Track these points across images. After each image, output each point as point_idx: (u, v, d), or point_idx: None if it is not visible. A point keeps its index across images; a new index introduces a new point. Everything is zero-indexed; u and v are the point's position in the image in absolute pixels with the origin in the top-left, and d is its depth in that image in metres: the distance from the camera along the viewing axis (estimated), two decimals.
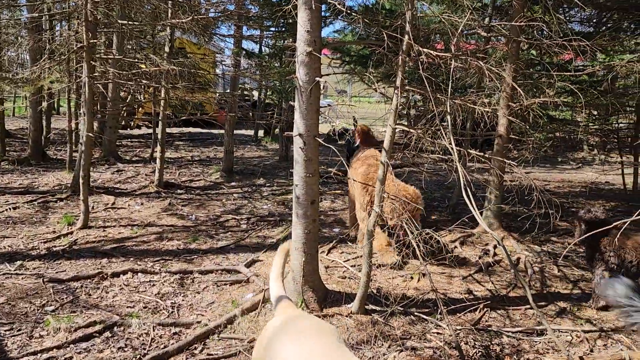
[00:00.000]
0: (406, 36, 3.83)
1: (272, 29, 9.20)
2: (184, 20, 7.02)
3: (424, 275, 5.04)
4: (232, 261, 5.43)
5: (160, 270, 5.04)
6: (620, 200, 8.15)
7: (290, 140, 11.59)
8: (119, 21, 7.45)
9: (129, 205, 7.53)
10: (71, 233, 6.10)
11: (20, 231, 6.10)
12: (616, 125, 8.25)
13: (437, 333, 3.99)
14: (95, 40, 6.01)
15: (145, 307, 4.33)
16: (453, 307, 4.33)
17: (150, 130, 16.92)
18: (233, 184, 9.21)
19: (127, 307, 4.33)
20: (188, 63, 7.85)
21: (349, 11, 3.68)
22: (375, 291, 4.64)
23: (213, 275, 5.01)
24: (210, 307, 4.41)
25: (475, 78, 6.27)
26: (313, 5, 3.81)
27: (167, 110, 8.90)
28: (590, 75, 7.51)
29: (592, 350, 3.73)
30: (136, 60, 7.21)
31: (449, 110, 3.57)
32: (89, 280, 4.80)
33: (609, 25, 7.77)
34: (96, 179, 9.13)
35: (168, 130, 13.00)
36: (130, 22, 7.54)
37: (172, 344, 3.76)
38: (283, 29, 8.92)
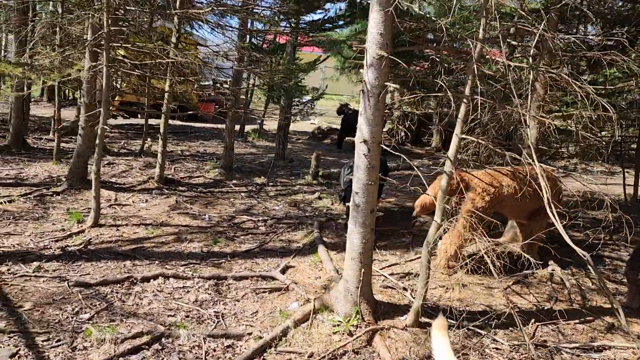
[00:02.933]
0: (479, 44, 3.74)
1: (283, 25, 8.95)
2: (201, 11, 6.72)
3: (463, 285, 4.98)
4: (262, 266, 5.21)
5: (192, 275, 4.77)
6: (621, 210, 8.32)
7: (286, 138, 11.38)
8: (129, 7, 7.06)
9: (133, 202, 7.16)
10: (83, 231, 5.72)
11: (25, 228, 5.68)
12: (619, 136, 8.43)
13: (496, 348, 3.92)
14: (116, 28, 5.66)
15: (187, 317, 4.08)
16: (504, 321, 4.26)
17: (128, 121, 16.43)
18: (234, 182, 8.92)
19: (168, 315, 4.07)
20: (200, 56, 7.54)
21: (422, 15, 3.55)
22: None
23: (248, 282, 4.79)
24: (255, 316, 4.20)
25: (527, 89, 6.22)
26: (387, 8, 3.65)
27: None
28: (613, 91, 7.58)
29: None
30: (148, 51, 6.84)
31: (528, 122, 3.49)
32: (118, 285, 4.49)
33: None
34: (88, 171, 8.66)
35: (150, 121, 12.52)
36: (140, 9, 7.16)
37: (229, 358, 3.54)
38: (302, 26, 8.69)
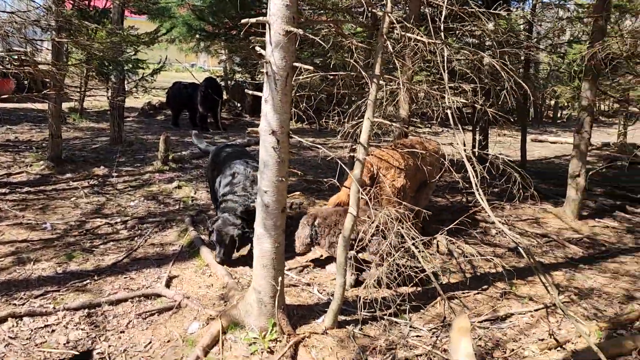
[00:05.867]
0: (387, 17, 3.45)
1: None
2: None
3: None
4: (139, 281, 4.40)
5: (54, 308, 3.79)
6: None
7: (121, 118, 10.04)
8: None
9: None
10: None
11: None
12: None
13: (417, 336, 3.83)
14: None
15: None
16: (415, 303, 4.20)
17: None
18: (69, 175, 7.54)
19: None
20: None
21: None
22: (330, 297, 4.25)
23: (130, 305, 3.98)
24: (151, 349, 3.48)
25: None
26: None
27: None
28: None
29: (553, 331, 3.98)
30: None
31: (448, 103, 3.33)
32: None
33: None
34: None
35: None
36: None
37: None
38: None
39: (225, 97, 16.61)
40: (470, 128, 9.96)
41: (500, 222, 3.24)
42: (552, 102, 20.27)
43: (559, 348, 3.72)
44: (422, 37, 3.32)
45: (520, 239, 5.29)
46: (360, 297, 3.78)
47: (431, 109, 4.13)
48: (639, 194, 7.86)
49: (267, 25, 3.23)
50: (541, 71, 18.25)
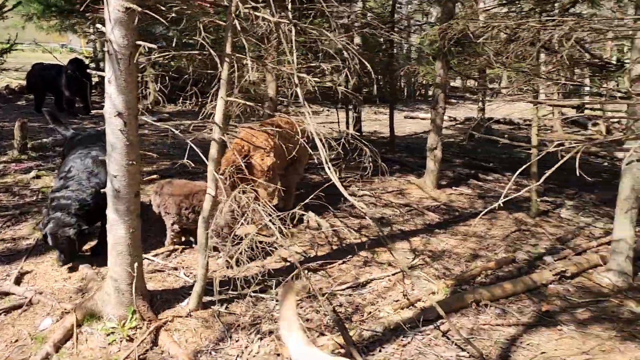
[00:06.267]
0: None
1: None
2: None
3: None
4: None
5: None
6: (385, 145, 9.72)
7: None
8: None
9: None
10: None
11: None
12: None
13: None
14: None
15: None
16: (279, 278, 4.31)
17: None
18: None
19: None
20: None
21: None
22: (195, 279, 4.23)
23: None
24: None
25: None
26: None
27: None
28: None
29: (407, 292, 4.32)
30: None
31: (296, 81, 3.42)
32: None
33: None
34: None
35: None
36: None
37: None
38: None
39: (96, 79, 15.54)
40: (344, 107, 10.32)
41: (350, 195, 3.42)
42: (424, 81, 21.56)
43: (410, 307, 4.05)
44: (266, 15, 3.36)
45: (367, 209, 5.63)
46: (216, 277, 3.83)
47: (287, 88, 4.21)
48: (491, 164, 8.71)
49: (105, 2, 3.08)
50: (412, 52, 19.28)
